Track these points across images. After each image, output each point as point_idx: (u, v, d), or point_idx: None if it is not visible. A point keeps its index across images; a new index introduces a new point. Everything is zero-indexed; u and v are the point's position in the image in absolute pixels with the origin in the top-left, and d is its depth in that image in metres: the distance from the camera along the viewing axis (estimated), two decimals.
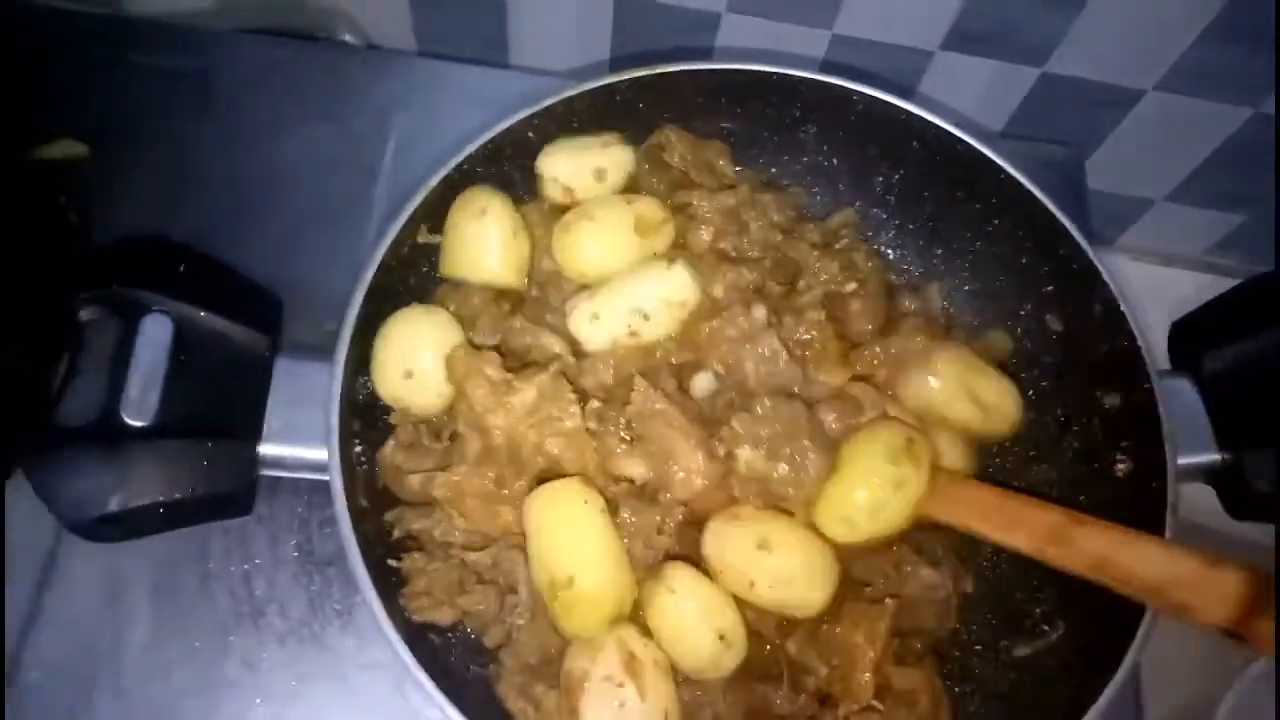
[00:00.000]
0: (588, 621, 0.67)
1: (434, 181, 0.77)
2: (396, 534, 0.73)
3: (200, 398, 0.68)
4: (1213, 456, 0.74)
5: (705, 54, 1.05)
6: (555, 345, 0.75)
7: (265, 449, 0.69)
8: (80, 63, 1.01)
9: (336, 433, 0.68)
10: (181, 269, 0.73)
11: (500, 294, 0.79)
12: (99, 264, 0.75)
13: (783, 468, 0.71)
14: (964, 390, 0.77)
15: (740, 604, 0.70)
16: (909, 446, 0.71)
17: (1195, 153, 1.09)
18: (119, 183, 0.95)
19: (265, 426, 0.69)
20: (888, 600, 0.72)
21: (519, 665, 0.71)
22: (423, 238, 0.78)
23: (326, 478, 0.68)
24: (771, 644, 0.73)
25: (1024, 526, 0.69)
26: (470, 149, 0.78)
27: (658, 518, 0.70)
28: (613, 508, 0.70)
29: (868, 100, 0.82)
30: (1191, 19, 0.93)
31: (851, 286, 0.80)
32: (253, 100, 1.02)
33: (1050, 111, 1.07)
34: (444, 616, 0.70)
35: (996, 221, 0.84)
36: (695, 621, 0.68)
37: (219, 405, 0.69)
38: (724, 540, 0.70)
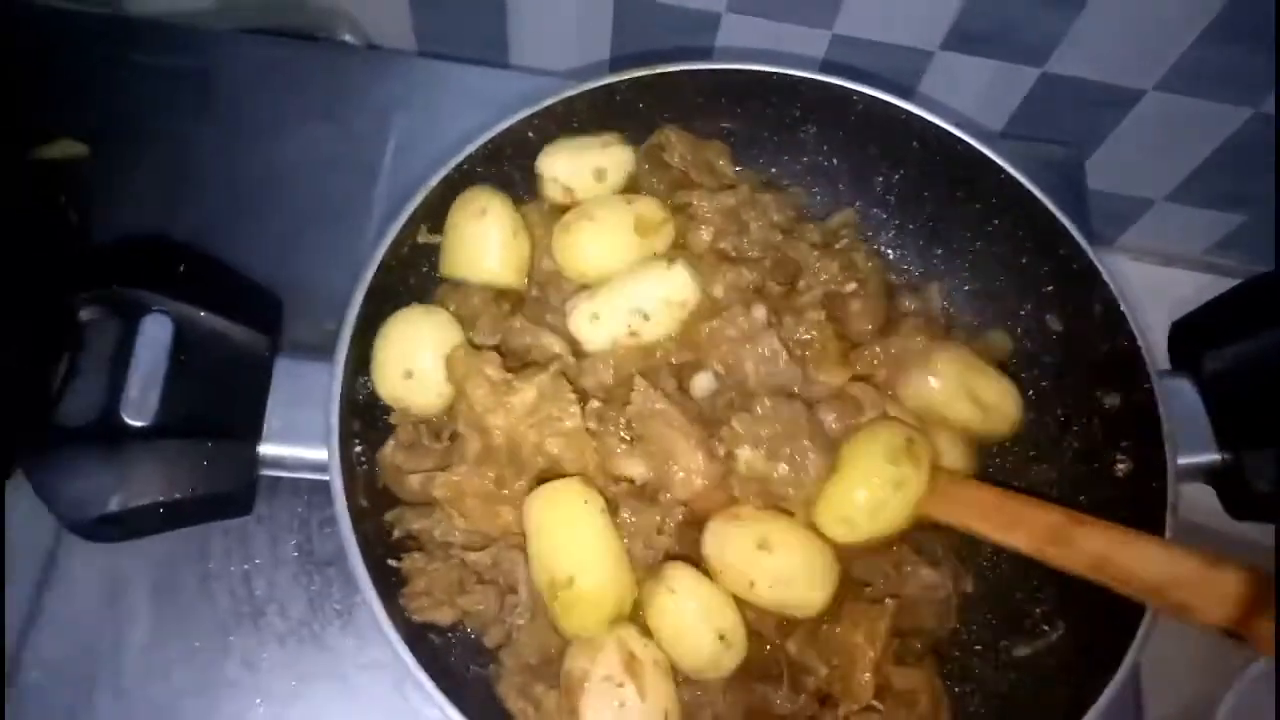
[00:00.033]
0: (588, 621, 0.67)
1: (434, 181, 0.77)
2: (396, 534, 0.73)
3: (200, 398, 0.68)
4: (1213, 456, 0.74)
5: (705, 54, 1.05)
6: (555, 345, 0.75)
7: (265, 449, 0.69)
8: (80, 63, 1.00)
9: (336, 433, 0.68)
10: (181, 269, 0.73)
11: (500, 294, 0.79)
12: (99, 264, 0.75)
13: (783, 468, 0.71)
14: (964, 390, 0.77)
15: (740, 604, 0.70)
16: (909, 446, 0.71)
17: (1195, 153, 1.09)
18: (119, 183, 0.95)
19: (265, 426, 0.69)
20: (888, 600, 0.72)
21: (519, 665, 0.71)
22: (423, 238, 0.78)
23: (326, 478, 0.68)
24: (771, 644, 0.73)
25: (1024, 526, 0.69)
26: (470, 149, 0.78)
27: (658, 518, 0.70)
28: (613, 508, 0.70)
29: (868, 100, 0.82)
30: (1191, 19, 0.93)
31: (851, 286, 0.80)
32: (253, 100, 1.02)
33: (1050, 111, 1.07)
34: (444, 616, 0.70)
35: (996, 221, 0.84)
36: (695, 621, 0.68)
37: (219, 405, 0.69)
38: (724, 540, 0.70)
